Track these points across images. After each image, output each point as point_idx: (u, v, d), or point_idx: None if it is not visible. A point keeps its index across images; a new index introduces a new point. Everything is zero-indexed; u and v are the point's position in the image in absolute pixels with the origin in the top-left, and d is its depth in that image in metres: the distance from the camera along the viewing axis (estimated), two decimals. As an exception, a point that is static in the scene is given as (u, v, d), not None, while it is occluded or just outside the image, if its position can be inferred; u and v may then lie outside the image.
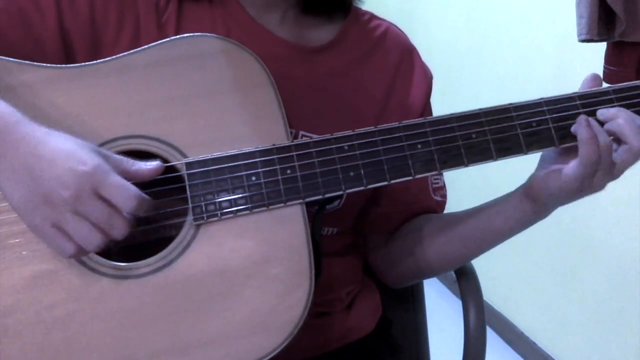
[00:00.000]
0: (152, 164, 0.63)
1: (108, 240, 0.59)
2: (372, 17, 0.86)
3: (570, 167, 0.66)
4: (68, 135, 0.60)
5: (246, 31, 0.77)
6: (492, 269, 1.97)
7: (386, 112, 0.82)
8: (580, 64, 1.66)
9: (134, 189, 0.59)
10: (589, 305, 1.78)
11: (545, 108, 0.69)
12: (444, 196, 0.88)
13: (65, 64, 0.69)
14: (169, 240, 0.64)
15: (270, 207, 0.64)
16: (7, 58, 0.66)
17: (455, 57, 2.31)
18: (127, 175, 0.61)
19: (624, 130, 0.66)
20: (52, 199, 0.57)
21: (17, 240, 0.62)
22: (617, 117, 0.67)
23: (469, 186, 1.79)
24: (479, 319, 0.88)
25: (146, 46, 0.69)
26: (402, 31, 0.88)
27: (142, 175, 0.62)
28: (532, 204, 0.72)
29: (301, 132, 0.76)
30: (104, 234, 0.58)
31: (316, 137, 0.67)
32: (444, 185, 0.88)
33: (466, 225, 0.79)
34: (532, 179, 0.71)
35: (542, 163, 0.72)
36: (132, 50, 0.69)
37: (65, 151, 0.58)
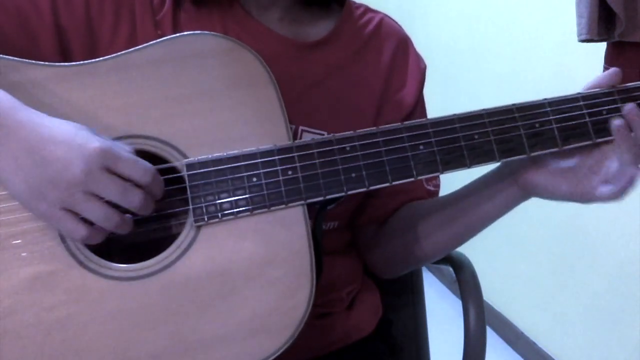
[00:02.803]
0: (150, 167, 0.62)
1: (125, 217, 0.59)
2: (366, 10, 0.87)
3: (608, 190, 0.66)
4: (67, 120, 0.60)
5: (244, 28, 0.76)
6: (492, 269, 1.98)
7: (384, 104, 0.82)
8: (580, 64, 1.66)
9: (147, 163, 0.59)
10: (589, 305, 1.78)
11: (548, 109, 0.68)
12: (437, 186, 0.88)
13: (62, 62, 0.68)
14: (169, 241, 0.64)
15: (272, 208, 0.64)
16: (4, 56, 0.66)
17: (455, 56, 2.31)
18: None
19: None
20: (60, 181, 0.56)
21: (17, 242, 0.62)
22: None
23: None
24: (479, 319, 0.88)
25: (145, 44, 0.68)
26: (395, 22, 0.88)
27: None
28: (524, 193, 0.72)
29: (301, 128, 0.76)
30: (122, 208, 0.58)
31: (317, 137, 0.67)
32: (438, 175, 0.88)
33: (457, 215, 0.78)
34: (529, 174, 0.71)
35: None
36: (131, 49, 0.68)
37: (68, 131, 0.57)
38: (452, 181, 0.81)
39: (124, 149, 0.59)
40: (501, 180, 0.74)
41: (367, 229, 0.88)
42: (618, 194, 0.66)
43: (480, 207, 0.76)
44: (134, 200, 0.58)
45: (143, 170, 0.59)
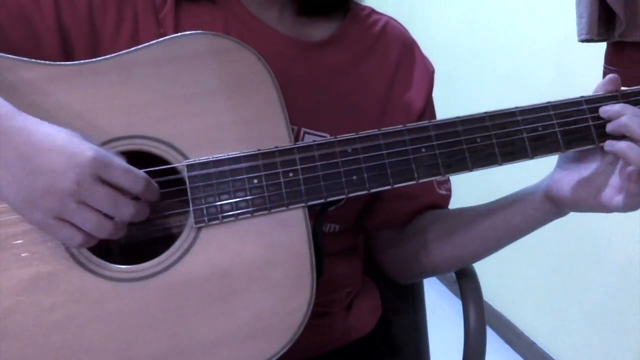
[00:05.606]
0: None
1: (118, 225, 0.58)
2: (372, 11, 0.86)
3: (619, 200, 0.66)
4: (60, 127, 0.59)
5: (246, 27, 0.76)
6: (492, 269, 1.97)
7: (388, 107, 0.82)
8: (580, 64, 1.66)
9: (140, 171, 0.59)
10: (589, 305, 1.78)
11: (552, 112, 0.68)
12: (449, 190, 0.87)
13: (64, 61, 0.68)
14: (169, 241, 0.64)
15: (272, 210, 0.64)
16: (6, 55, 0.66)
17: (455, 57, 2.31)
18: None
19: (630, 129, 0.65)
20: (52, 191, 0.55)
21: (17, 242, 0.61)
22: (622, 114, 0.66)
23: (472, 184, 1.79)
24: (479, 319, 0.88)
25: (146, 44, 0.68)
26: (401, 25, 0.88)
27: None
28: (555, 207, 0.72)
29: (303, 129, 0.76)
30: (113, 218, 0.58)
31: (319, 139, 0.67)
32: (449, 179, 0.87)
33: (482, 225, 0.78)
34: (554, 184, 0.71)
35: (562, 163, 0.72)
36: (132, 48, 0.68)
37: (61, 140, 0.57)
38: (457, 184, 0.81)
39: (117, 158, 0.59)
40: (530, 196, 0.73)
41: (382, 233, 0.88)
42: (629, 204, 0.66)
43: (507, 223, 0.75)
44: (124, 211, 0.58)
45: (135, 179, 0.58)
